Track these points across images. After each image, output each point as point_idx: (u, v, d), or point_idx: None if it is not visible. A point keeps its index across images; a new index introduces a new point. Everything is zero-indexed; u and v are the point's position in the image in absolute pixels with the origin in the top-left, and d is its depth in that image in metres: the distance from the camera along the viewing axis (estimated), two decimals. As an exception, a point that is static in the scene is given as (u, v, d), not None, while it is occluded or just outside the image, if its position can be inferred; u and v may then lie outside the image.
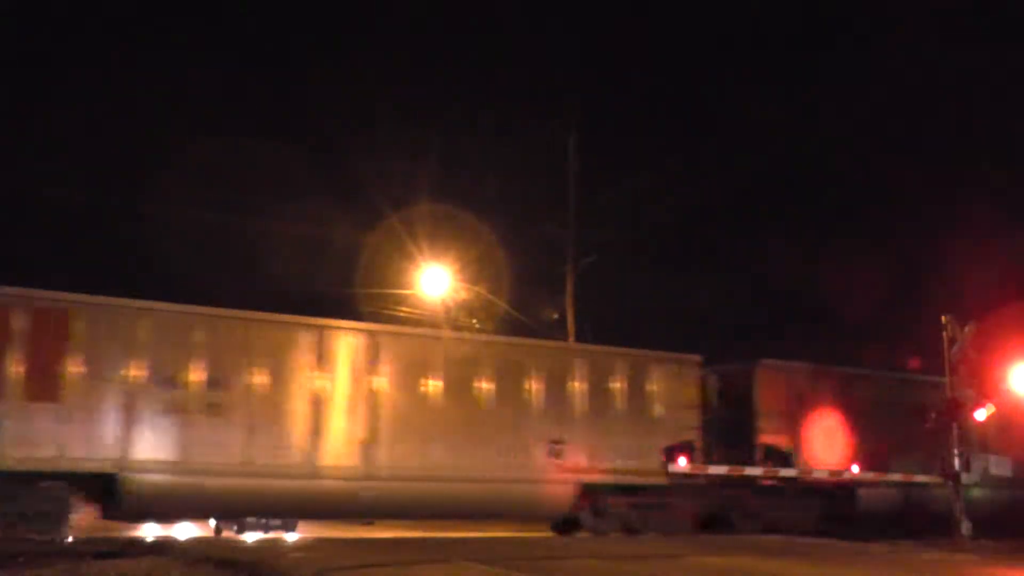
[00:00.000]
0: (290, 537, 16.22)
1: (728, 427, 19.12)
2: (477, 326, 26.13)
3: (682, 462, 17.92)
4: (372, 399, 16.38)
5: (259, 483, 15.45)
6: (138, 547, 13.12)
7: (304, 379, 15.94)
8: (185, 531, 20.48)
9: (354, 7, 46.14)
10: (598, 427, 17.86)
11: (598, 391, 18.07)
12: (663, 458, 18.01)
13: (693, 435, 18.56)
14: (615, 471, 17.71)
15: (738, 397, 19.43)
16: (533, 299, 27.07)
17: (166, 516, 16.79)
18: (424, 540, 15.52)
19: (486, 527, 18.19)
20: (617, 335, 20.83)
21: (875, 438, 19.93)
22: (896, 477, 19.89)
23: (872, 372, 21.52)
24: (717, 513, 18.59)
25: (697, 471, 18.08)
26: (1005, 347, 19.59)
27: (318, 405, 16.00)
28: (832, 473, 19.50)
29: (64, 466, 14.17)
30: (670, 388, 18.66)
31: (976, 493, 19.25)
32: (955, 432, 18.16)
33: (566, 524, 18.05)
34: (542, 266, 27.22)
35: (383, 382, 16.49)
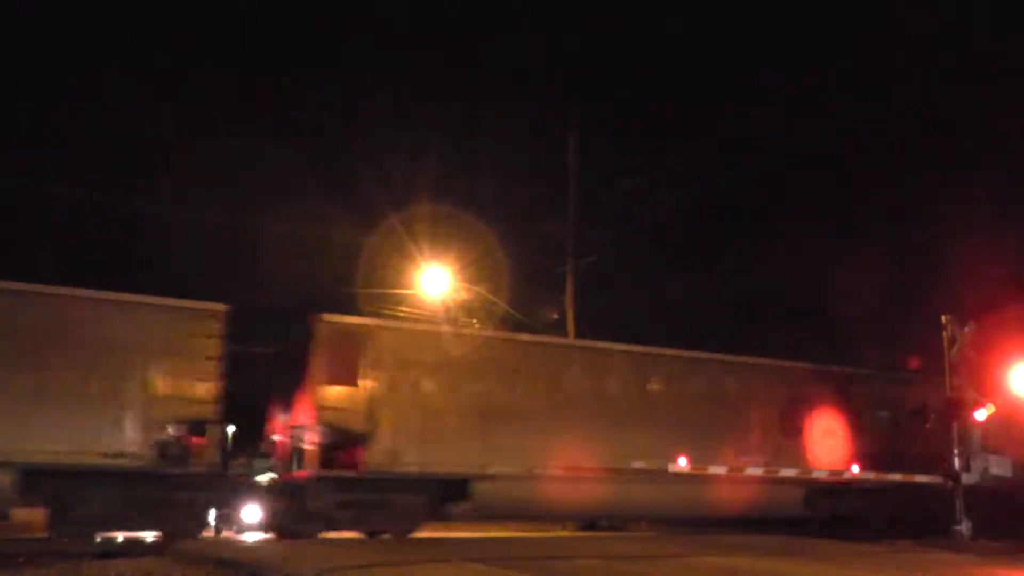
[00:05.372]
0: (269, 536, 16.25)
1: None
2: (478, 326, 26.10)
3: (681, 462, 17.93)
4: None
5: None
6: (138, 547, 13.15)
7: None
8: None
9: (354, 7, 46.13)
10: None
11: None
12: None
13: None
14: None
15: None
16: (533, 299, 27.07)
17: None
18: (424, 540, 15.53)
19: (486, 527, 18.20)
20: (617, 335, 20.78)
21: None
22: (896, 477, 19.88)
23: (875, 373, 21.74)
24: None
25: (697, 471, 18.09)
26: (1005, 347, 19.57)
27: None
28: (832, 473, 19.53)
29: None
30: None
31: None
32: (955, 432, 18.17)
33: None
34: (542, 266, 27.24)
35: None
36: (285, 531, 15.80)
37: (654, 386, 18.62)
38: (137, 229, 27.51)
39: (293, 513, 15.86)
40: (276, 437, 17.29)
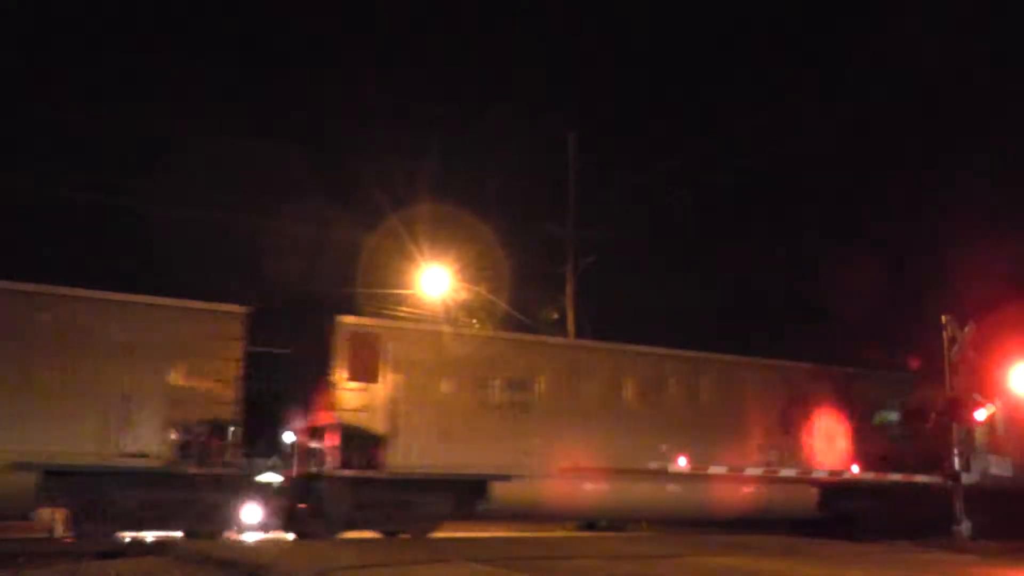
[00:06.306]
0: (290, 537, 16.23)
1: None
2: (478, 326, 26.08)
3: (681, 461, 17.86)
4: None
5: None
6: (138, 547, 13.13)
7: None
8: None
9: (354, 7, 46.17)
10: None
11: None
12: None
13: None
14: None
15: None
16: (533, 299, 27.06)
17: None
18: (424, 540, 15.52)
19: (486, 527, 18.18)
20: (617, 335, 20.78)
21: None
22: (896, 477, 19.84)
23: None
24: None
25: (698, 470, 18.03)
26: (1005, 347, 19.56)
27: None
28: (832, 473, 19.50)
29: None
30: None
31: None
32: (955, 432, 18.16)
33: None
34: (542, 266, 27.22)
35: None
36: (299, 531, 15.87)
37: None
38: (137, 229, 27.51)
39: (310, 514, 16.08)
40: (292, 437, 17.05)
